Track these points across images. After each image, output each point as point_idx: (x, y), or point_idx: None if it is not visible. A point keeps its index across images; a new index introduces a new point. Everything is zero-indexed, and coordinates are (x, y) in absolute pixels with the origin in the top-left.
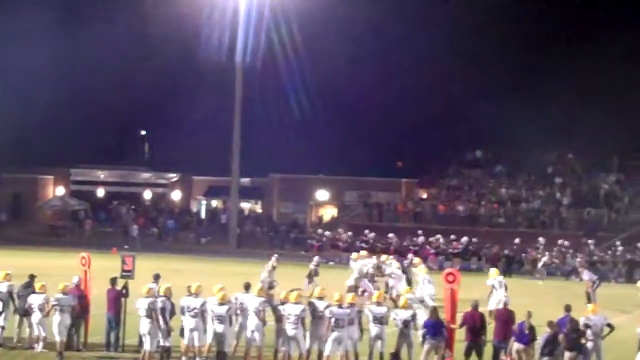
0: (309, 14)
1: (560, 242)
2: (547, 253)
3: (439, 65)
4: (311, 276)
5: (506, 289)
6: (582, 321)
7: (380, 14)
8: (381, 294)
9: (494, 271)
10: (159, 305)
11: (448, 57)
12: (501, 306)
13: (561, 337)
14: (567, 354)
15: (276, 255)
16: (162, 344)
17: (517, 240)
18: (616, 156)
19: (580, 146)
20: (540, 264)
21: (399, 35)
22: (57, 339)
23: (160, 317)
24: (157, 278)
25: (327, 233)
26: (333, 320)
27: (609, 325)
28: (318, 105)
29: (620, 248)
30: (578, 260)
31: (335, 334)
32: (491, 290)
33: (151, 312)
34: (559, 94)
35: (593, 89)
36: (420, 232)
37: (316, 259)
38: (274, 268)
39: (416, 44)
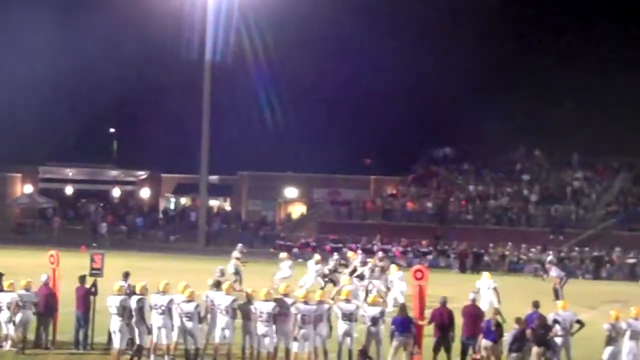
0: (278, 13)
1: (523, 246)
2: (550, 252)
3: (407, 63)
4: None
5: (497, 293)
6: (551, 317)
7: (349, 13)
8: (349, 291)
9: (486, 274)
10: (134, 304)
11: (416, 55)
12: (495, 306)
13: (528, 331)
14: (535, 349)
15: (240, 245)
16: (137, 342)
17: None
18: (576, 153)
19: (547, 143)
20: (546, 263)
21: (368, 34)
22: (13, 333)
23: (136, 315)
24: (126, 276)
25: (288, 242)
26: (299, 316)
27: (579, 322)
28: (286, 103)
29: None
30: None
31: (301, 331)
32: (477, 291)
33: (122, 310)
34: (526, 92)
35: (559, 87)
36: (378, 237)
37: (334, 255)
38: (237, 259)
39: (385, 42)
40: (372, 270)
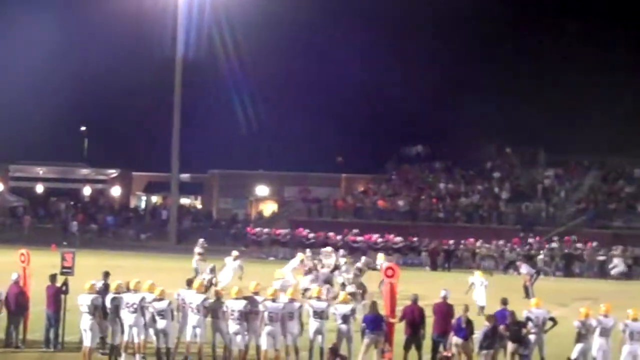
0: (250, 12)
1: (493, 243)
2: (541, 251)
3: (378, 61)
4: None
5: (485, 288)
6: (524, 314)
7: (321, 12)
8: (320, 289)
9: (478, 273)
10: (109, 303)
11: (387, 53)
12: (483, 303)
13: (502, 328)
14: (510, 345)
15: (201, 240)
16: (110, 341)
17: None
18: (542, 151)
19: (518, 141)
20: (538, 264)
21: (340, 32)
22: None
23: (111, 314)
24: (106, 275)
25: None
26: (266, 314)
27: (552, 319)
28: (258, 101)
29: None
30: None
31: (268, 328)
32: (469, 286)
33: (94, 309)
34: (497, 91)
35: (531, 86)
36: (330, 233)
37: (364, 258)
38: (199, 254)
39: (355, 40)
40: (361, 269)
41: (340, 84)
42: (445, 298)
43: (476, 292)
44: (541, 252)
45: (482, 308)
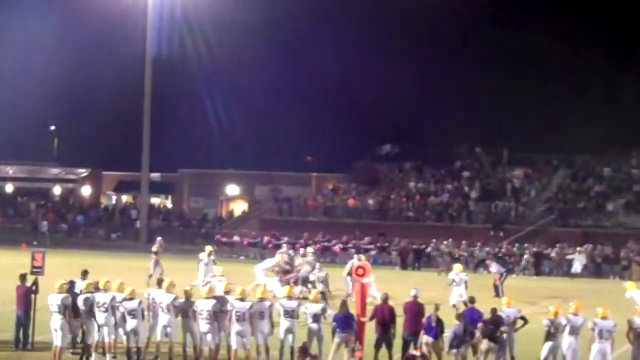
0: (220, 11)
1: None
2: (527, 252)
3: (348, 60)
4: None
5: (466, 285)
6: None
7: (291, 11)
8: (291, 289)
9: (457, 266)
10: (82, 303)
11: (358, 52)
12: (462, 300)
13: (480, 326)
14: (484, 343)
15: (159, 238)
16: (83, 340)
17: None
18: (511, 150)
19: (487, 140)
20: (522, 265)
21: (310, 32)
22: None
23: (85, 314)
24: (84, 274)
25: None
26: (234, 313)
27: (523, 318)
28: (227, 100)
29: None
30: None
31: (237, 328)
32: (451, 283)
33: (64, 308)
34: (467, 90)
35: (500, 86)
36: (320, 233)
37: (357, 256)
38: (155, 254)
39: (327, 39)
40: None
41: (311, 83)
42: (415, 297)
43: (456, 290)
44: (526, 252)
45: (464, 303)
